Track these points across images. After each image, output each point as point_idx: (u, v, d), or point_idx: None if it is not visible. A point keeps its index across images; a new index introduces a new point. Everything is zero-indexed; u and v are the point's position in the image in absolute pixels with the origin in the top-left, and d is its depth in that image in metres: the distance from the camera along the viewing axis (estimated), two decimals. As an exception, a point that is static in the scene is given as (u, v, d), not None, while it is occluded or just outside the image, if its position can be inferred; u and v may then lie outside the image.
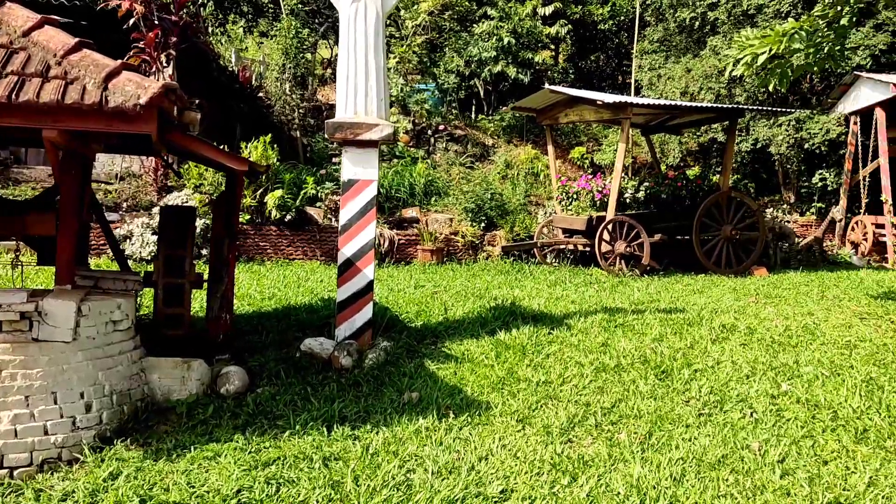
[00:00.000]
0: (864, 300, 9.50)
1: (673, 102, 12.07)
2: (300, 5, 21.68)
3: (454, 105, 20.43)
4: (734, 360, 6.59)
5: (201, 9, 21.00)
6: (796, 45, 7.61)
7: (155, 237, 11.40)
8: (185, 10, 13.24)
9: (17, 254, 6.13)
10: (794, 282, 11.13)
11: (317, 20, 23.30)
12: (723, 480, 4.35)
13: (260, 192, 12.84)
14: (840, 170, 16.05)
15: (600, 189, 12.11)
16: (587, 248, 12.39)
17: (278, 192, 12.66)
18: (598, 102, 11.12)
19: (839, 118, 15.80)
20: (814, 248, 13.99)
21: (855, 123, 15.65)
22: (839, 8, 7.61)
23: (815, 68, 8.31)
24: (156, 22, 11.99)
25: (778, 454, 4.72)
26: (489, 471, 4.36)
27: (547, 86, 12.04)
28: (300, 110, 17.32)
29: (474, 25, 21.12)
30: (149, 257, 11.45)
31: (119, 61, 4.36)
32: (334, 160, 15.63)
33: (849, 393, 5.80)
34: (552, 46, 22.46)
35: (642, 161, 20.12)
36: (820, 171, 16.10)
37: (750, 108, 12.93)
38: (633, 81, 21.30)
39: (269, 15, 24.72)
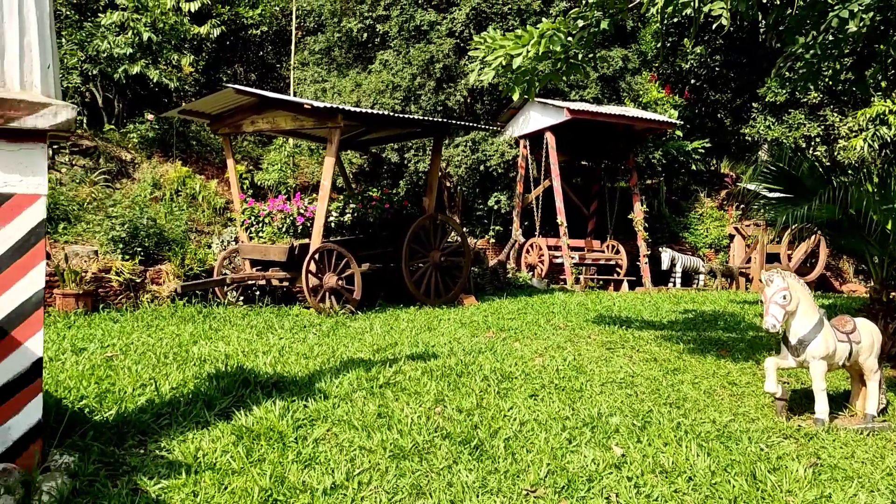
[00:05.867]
0: (589, 327, 9.31)
1: (386, 113, 10.79)
2: None
3: (83, 111, 16.54)
4: (538, 419, 5.50)
5: None
6: (556, 48, 6.91)
7: None
8: None
9: None
10: (510, 309, 10.67)
11: None
12: None
13: None
14: (512, 193, 16.50)
15: (303, 211, 10.24)
16: (285, 283, 10.43)
17: None
18: (306, 107, 9.29)
19: (510, 141, 16.24)
20: (499, 271, 13.97)
21: (525, 147, 16.24)
22: (599, 11, 7.09)
23: (564, 78, 7.78)
24: None
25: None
26: None
27: (231, 85, 9.83)
28: None
29: (99, 15, 17.45)
30: None
31: None
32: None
33: (685, 450, 5.06)
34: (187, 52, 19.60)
35: (304, 182, 18.72)
36: (495, 194, 16.35)
37: (460, 123, 12.16)
38: (292, 94, 19.72)
39: None
